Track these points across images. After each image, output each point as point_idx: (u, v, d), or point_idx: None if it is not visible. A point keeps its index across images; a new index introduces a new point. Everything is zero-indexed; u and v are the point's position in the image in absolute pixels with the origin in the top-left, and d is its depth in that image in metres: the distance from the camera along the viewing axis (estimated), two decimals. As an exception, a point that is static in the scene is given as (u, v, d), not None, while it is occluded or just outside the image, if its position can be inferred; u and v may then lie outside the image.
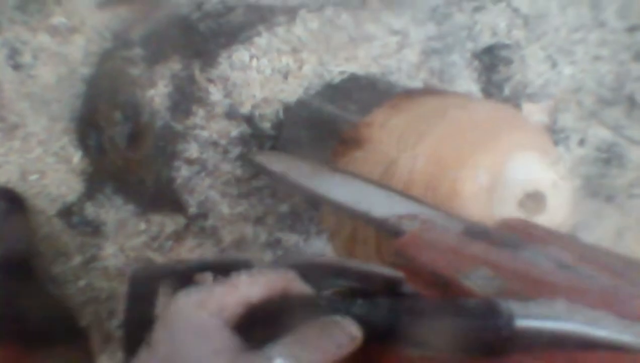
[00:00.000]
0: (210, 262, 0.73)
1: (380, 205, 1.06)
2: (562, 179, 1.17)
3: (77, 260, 1.48)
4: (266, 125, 1.35)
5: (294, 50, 1.39)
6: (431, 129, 1.17)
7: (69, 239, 1.49)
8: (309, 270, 0.68)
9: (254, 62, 1.35)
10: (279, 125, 1.35)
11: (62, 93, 1.49)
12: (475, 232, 0.92)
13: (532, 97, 1.78)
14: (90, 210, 1.50)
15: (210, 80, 1.34)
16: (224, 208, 1.40)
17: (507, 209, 1.11)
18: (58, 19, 1.48)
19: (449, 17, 1.72)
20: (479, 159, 1.13)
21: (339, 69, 1.40)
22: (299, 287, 0.64)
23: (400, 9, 1.65)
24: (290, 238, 1.45)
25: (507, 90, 1.75)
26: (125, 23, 1.53)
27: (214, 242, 1.47)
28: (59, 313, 1.41)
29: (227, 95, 1.34)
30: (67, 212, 1.49)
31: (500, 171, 1.12)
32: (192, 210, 1.41)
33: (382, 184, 1.13)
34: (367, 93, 1.36)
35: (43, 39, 1.48)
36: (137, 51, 1.43)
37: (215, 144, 1.36)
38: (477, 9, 1.75)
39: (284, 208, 1.43)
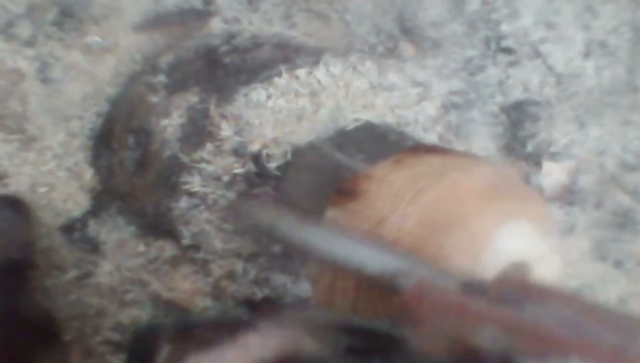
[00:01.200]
0: (212, 320, 0.72)
1: (372, 260, 1.05)
2: (552, 251, 1.14)
3: (71, 274, 1.49)
4: (272, 166, 1.35)
5: (312, 93, 1.38)
6: (427, 189, 1.16)
7: (67, 253, 1.50)
8: (313, 327, 0.67)
9: (270, 102, 1.35)
10: (285, 167, 1.34)
11: (85, 110, 1.51)
12: (474, 288, 0.91)
13: (554, 156, 1.76)
14: (92, 227, 1.50)
15: (224, 116, 1.34)
16: (217, 243, 1.40)
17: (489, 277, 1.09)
18: (93, 38, 1.50)
19: (483, 70, 1.71)
20: (468, 225, 1.11)
21: (354, 115, 1.39)
22: (310, 345, 0.63)
23: (433, 59, 1.65)
24: (279, 279, 1.45)
25: (530, 147, 1.74)
26: (158, 48, 1.53)
27: (204, 274, 1.46)
28: (43, 326, 1.42)
29: (238, 132, 1.34)
30: (69, 227, 1.50)
31: (487, 240, 1.10)
32: (186, 241, 1.40)
33: (371, 238, 1.12)
34: (376, 144, 1.35)
35: (75, 56, 1.50)
36: (161, 78, 1.44)
37: (218, 179, 1.36)
38: (512, 64, 1.73)
39: (277, 248, 1.42)
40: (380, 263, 1.03)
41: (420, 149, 1.29)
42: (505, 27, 1.73)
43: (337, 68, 1.40)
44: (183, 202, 1.38)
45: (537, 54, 1.75)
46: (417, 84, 1.53)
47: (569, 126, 1.77)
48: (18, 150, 1.49)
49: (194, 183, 1.36)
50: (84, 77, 1.52)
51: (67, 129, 1.50)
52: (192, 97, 1.39)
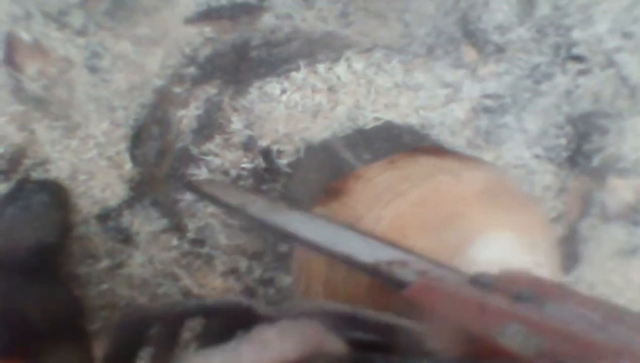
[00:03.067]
0: (208, 307, 0.69)
1: (362, 249, 0.99)
2: (538, 267, 1.06)
3: (104, 263, 1.51)
4: (283, 162, 1.32)
5: (331, 90, 1.34)
6: (408, 191, 1.10)
7: (101, 242, 1.51)
8: (324, 320, 0.63)
9: (284, 97, 1.32)
10: (297, 164, 1.30)
11: (131, 101, 1.51)
12: (484, 283, 0.85)
13: (621, 172, 1.64)
14: (126, 218, 1.51)
15: (235, 109, 1.33)
16: (222, 239, 1.38)
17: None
18: (142, 30, 1.50)
19: (550, 78, 1.62)
20: (442, 233, 1.04)
21: (375, 114, 1.34)
22: (333, 342, 0.59)
23: (497, 65, 1.57)
24: (285, 280, 1.41)
25: (596, 161, 1.63)
26: (206, 42, 1.53)
27: (207, 270, 1.44)
28: (71, 313, 1.43)
29: (248, 126, 1.32)
30: (105, 216, 1.51)
31: (462, 250, 1.03)
32: (190, 234, 1.39)
33: (358, 228, 1.07)
34: (388, 144, 1.30)
35: (125, 46, 1.51)
36: (191, 70, 1.43)
37: (225, 173, 1.34)
38: (582, 73, 1.63)
39: (283, 248, 1.38)
40: (372, 253, 0.98)
41: (419, 150, 1.23)
42: (577, 34, 1.63)
43: (359, 64, 1.36)
44: (189, 194, 1.37)
45: (611, 64, 1.64)
46: (446, 84, 1.46)
47: (640, 141, 1.65)
48: (61, 136, 1.51)
49: (201, 175, 1.34)
50: (132, 67, 1.52)
51: (111, 118, 1.51)
52: (211, 89, 1.39)
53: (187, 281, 1.52)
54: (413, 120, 1.38)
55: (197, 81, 1.42)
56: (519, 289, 0.80)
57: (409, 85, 1.40)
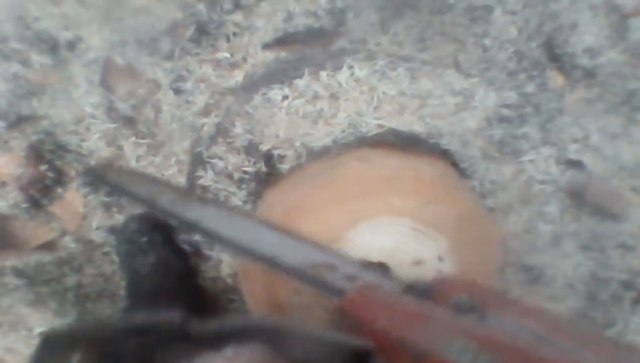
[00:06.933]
0: (137, 325, 0.67)
1: (282, 249, 0.98)
2: (439, 260, 1.00)
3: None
4: (284, 167, 1.34)
5: (332, 97, 1.35)
6: (320, 176, 1.10)
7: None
8: (263, 338, 0.64)
9: (285, 103, 1.35)
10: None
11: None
12: (421, 291, 0.84)
13: None
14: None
15: (239, 114, 1.37)
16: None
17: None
18: (223, 54, 1.60)
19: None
20: (329, 213, 1.03)
21: (377, 121, 1.33)
22: None
23: (588, 90, 1.49)
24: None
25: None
26: (282, 65, 1.59)
27: (215, 273, 1.47)
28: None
29: (249, 131, 1.36)
30: (179, 230, 1.59)
31: (344, 231, 1.01)
32: (198, 236, 1.43)
33: (272, 223, 1.06)
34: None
35: (207, 70, 1.60)
36: (235, 84, 1.50)
37: (229, 176, 1.37)
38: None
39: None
40: (296, 255, 0.96)
41: (372, 145, 1.21)
42: (680, 60, 1.49)
43: (362, 72, 1.35)
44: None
45: None
46: (456, 93, 1.40)
47: None
48: (146, 153, 1.61)
49: (207, 178, 1.39)
50: (212, 90, 1.61)
51: (192, 137, 1.60)
52: (232, 98, 1.44)
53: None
54: (419, 128, 1.34)
55: (228, 93, 1.47)
56: (456, 298, 0.76)
57: (416, 93, 1.36)
